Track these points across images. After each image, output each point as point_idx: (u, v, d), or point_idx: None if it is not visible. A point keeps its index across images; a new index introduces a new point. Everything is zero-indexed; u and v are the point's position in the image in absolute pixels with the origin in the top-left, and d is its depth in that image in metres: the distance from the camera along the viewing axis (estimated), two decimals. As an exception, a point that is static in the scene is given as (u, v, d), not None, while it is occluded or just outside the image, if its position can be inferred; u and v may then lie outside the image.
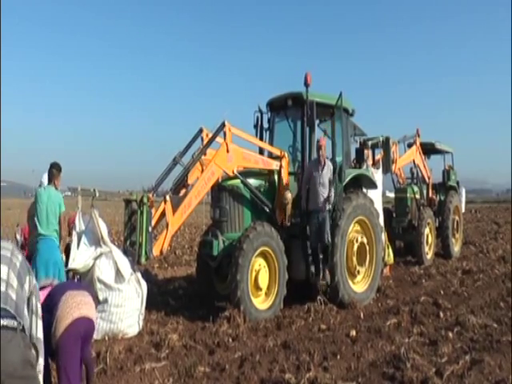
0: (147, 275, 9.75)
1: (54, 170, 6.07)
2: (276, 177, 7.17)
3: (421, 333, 5.61)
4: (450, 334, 5.45)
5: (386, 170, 9.73)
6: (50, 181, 6.07)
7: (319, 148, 6.89)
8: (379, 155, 10.21)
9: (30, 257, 6.07)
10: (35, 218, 5.99)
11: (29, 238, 6.30)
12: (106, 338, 5.46)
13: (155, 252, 6.00)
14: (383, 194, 11.99)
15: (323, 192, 6.91)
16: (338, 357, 4.88)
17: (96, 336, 5.62)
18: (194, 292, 7.92)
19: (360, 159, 8.83)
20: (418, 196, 11.88)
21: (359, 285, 7.59)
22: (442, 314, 6.40)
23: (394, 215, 12.03)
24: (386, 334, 5.59)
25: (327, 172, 6.92)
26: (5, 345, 2.14)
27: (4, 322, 2.15)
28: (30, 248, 6.25)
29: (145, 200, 5.79)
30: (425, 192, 12.28)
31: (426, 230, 11.34)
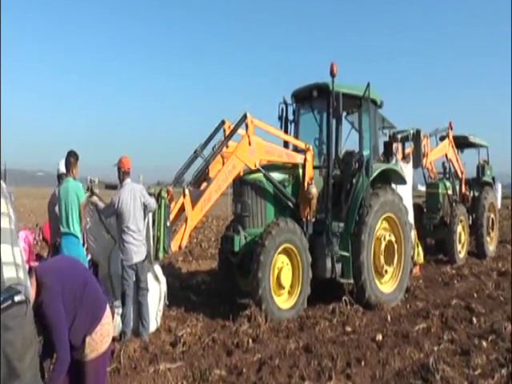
0: (171, 269, 9.73)
1: (72, 158, 5.88)
2: (300, 171, 6.91)
3: (452, 340, 5.26)
4: (484, 343, 5.06)
5: (417, 164, 9.36)
6: (67, 170, 5.92)
7: None
8: (409, 149, 9.80)
9: (53, 254, 6.02)
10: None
11: (50, 235, 6.20)
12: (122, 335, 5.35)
13: (174, 247, 5.87)
14: (415, 188, 11.51)
15: None
16: (363, 363, 4.61)
17: (114, 332, 5.58)
18: (217, 287, 7.77)
19: (388, 153, 8.44)
20: (450, 192, 11.41)
21: (387, 285, 7.28)
22: (475, 320, 6.00)
23: (425, 211, 11.58)
24: (414, 340, 5.26)
25: None
26: (22, 320, 2.25)
27: (17, 298, 2.23)
28: (53, 248, 6.17)
29: (163, 194, 5.67)
30: (457, 187, 11.81)
31: (459, 228, 10.87)
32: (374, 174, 7.05)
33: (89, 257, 6.33)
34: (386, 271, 7.19)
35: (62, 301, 2.64)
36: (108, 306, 3.01)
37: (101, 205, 5.75)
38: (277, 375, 4.34)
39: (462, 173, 11.90)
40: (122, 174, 5.58)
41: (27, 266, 2.57)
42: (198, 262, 11.03)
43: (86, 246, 6.28)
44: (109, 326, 2.92)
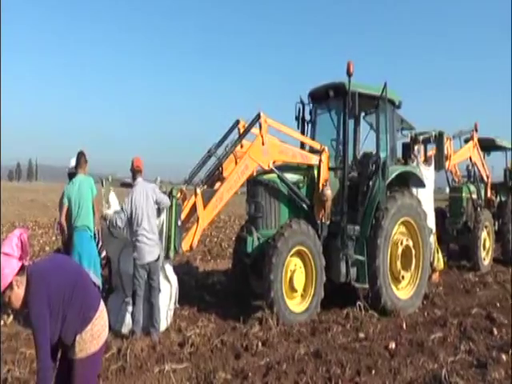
0: (188, 267, 9.73)
1: (82, 157, 6.07)
2: (315, 172, 6.78)
3: (469, 351, 5.01)
4: (504, 357, 4.78)
5: (439, 167, 9.06)
6: (78, 167, 6.06)
7: None
8: (431, 151, 9.50)
9: (66, 249, 6.07)
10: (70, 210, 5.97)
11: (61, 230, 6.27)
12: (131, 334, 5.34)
13: (185, 247, 5.86)
14: (442, 192, 11.18)
15: None
16: (373, 372, 4.46)
17: (124, 330, 5.58)
18: (231, 288, 7.70)
19: (407, 155, 8.20)
20: (474, 196, 11.05)
21: (404, 291, 7.06)
22: (495, 331, 5.72)
23: (448, 216, 11.22)
24: (429, 350, 5.05)
25: None
26: None
27: None
28: (67, 240, 6.25)
29: (174, 193, 5.67)
30: (483, 192, 11.41)
31: (484, 234, 10.49)
32: (391, 177, 6.87)
33: (103, 253, 6.37)
34: (403, 277, 6.97)
35: (49, 303, 2.59)
36: (103, 308, 2.91)
37: (110, 214, 5.72)
38: (283, 381, 4.24)
39: (487, 177, 11.51)
40: (134, 173, 5.60)
41: (20, 264, 2.55)
42: (215, 261, 11.01)
43: (100, 243, 6.32)
44: (101, 327, 2.82)
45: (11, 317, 6.18)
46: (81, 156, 6.07)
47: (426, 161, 9.13)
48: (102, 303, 2.92)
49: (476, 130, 10.93)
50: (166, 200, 5.57)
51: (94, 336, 2.76)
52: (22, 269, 2.58)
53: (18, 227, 2.61)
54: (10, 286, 2.54)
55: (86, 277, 2.97)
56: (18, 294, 2.59)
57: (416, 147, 8.57)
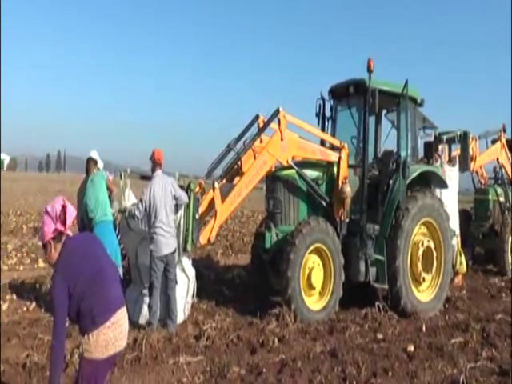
0: (208, 261, 9.78)
1: (92, 162, 6.29)
2: (335, 169, 6.69)
3: (491, 358, 4.82)
4: (528, 365, 4.60)
5: (464, 167, 8.82)
6: (87, 173, 6.33)
7: None
8: (456, 151, 9.25)
9: None
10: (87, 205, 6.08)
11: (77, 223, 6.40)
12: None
13: (202, 240, 5.88)
14: (470, 193, 10.88)
15: None
16: (390, 374, 4.35)
17: (141, 321, 5.62)
18: (251, 283, 7.68)
19: (430, 155, 8.00)
20: (502, 199, 10.69)
21: (425, 293, 6.90)
22: (520, 338, 5.51)
23: (473, 218, 10.91)
24: (449, 354, 4.89)
25: None
26: None
27: None
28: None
29: (192, 186, 5.69)
30: (510, 195, 11.00)
31: (511, 238, 10.12)
32: (412, 176, 6.72)
33: (122, 245, 6.45)
34: (424, 279, 6.81)
35: (70, 281, 2.59)
36: (119, 320, 2.73)
37: (129, 206, 5.78)
38: (297, 378, 4.19)
39: (515, 179, 11.14)
40: (154, 165, 5.64)
41: (54, 227, 2.62)
42: (237, 255, 11.04)
43: (119, 235, 6.39)
44: (109, 339, 2.65)
45: (34, 303, 6.33)
46: (89, 162, 6.26)
47: (450, 161, 8.91)
48: (120, 315, 2.75)
49: (504, 131, 10.59)
50: (184, 197, 5.58)
51: (99, 344, 2.63)
52: (59, 235, 2.66)
53: (61, 196, 2.74)
54: (48, 244, 2.67)
55: (112, 273, 2.85)
56: (52, 257, 2.70)
57: (440, 147, 8.37)
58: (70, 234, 2.75)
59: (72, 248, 2.71)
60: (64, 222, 2.65)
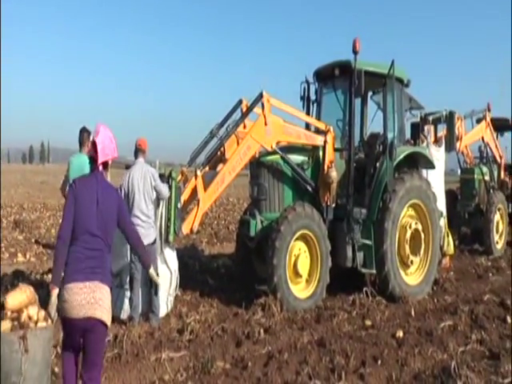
0: (193, 250, 9.59)
1: (86, 133, 5.63)
2: (320, 153, 6.52)
3: (481, 340, 4.77)
4: (518, 347, 4.55)
5: (450, 147, 8.76)
6: (80, 146, 5.69)
7: None
8: (442, 131, 9.16)
9: None
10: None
11: None
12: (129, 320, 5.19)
13: (185, 230, 5.69)
14: (455, 174, 10.85)
15: None
16: (379, 362, 4.25)
17: (122, 316, 5.43)
18: (236, 272, 7.54)
19: (416, 136, 7.89)
20: (487, 178, 10.73)
21: (413, 277, 6.84)
22: (509, 319, 5.45)
23: (459, 198, 10.91)
24: (439, 339, 4.82)
25: None
26: None
27: None
28: None
29: (173, 175, 5.48)
30: (496, 173, 11.07)
31: (496, 216, 10.19)
32: (399, 158, 6.60)
33: None
34: (412, 262, 6.74)
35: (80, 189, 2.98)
36: (95, 286, 2.83)
37: None
38: (284, 371, 4.05)
39: (500, 157, 11.17)
40: (137, 151, 5.42)
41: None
42: (222, 244, 10.90)
43: None
44: (76, 302, 2.76)
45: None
46: (82, 133, 5.55)
47: (437, 142, 8.84)
48: (89, 278, 2.85)
49: (489, 110, 10.57)
50: (164, 192, 5.35)
51: (67, 300, 2.76)
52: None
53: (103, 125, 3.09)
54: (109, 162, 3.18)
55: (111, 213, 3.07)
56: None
57: (426, 127, 8.26)
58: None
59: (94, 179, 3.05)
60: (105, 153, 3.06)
